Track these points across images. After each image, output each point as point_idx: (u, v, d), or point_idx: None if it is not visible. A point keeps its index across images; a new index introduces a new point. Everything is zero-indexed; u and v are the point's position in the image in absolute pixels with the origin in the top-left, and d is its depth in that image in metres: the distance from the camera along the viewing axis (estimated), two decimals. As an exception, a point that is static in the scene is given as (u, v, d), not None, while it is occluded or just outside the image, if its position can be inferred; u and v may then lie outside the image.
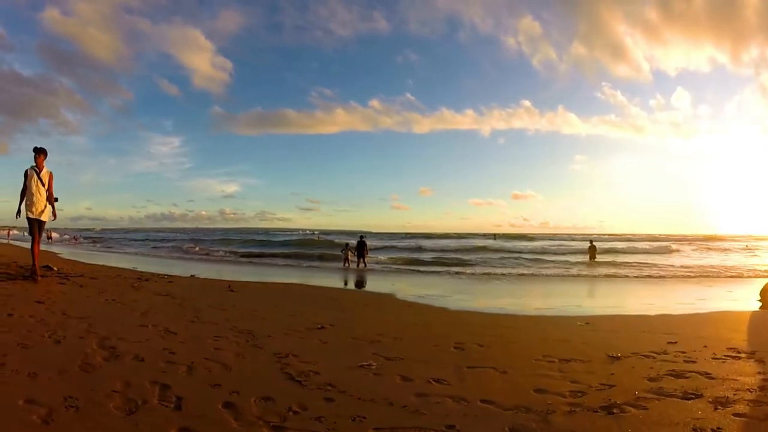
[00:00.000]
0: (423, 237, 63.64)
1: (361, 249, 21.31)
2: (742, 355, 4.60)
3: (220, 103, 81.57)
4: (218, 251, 31.15)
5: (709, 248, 41.81)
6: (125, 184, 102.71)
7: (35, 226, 8.14)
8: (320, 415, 2.87)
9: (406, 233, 75.31)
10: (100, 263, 14.85)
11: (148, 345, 4.43)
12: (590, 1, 66.72)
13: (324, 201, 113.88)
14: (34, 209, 8.00)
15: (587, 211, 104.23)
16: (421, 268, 21.40)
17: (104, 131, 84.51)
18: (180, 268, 15.64)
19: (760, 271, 20.37)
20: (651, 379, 3.70)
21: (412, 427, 2.74)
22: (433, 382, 3.61)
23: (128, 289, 8.19)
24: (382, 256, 26.50)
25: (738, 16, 58.53)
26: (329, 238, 49.39)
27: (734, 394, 3.31)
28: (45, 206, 8.16)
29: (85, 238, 48.68)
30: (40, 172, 8.14)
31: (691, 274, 18.93)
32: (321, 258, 26.57)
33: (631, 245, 43.50)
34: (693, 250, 40.14)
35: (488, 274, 18.87)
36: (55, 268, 9.95)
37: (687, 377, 3.75)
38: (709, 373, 3.86)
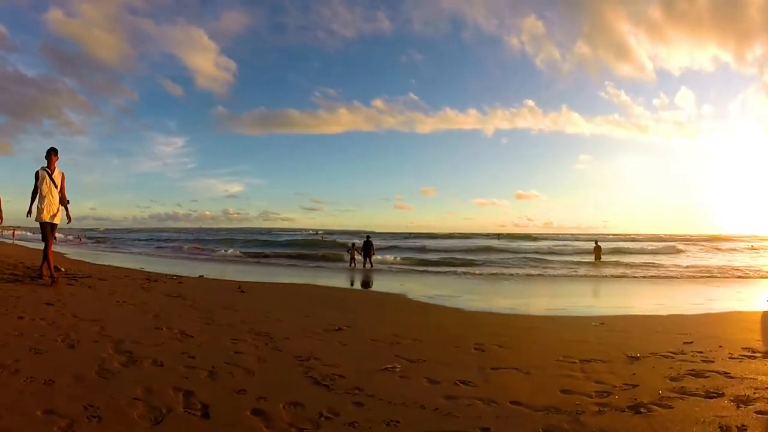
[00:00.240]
0: (426, 237, 63.51)
1: (368, 249, 21.18)
2: (758, 354, 4.62)
3: (223, 103, 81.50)
4: (223, 251, 30.98)
5: (714, 248, 41.45)
6: (129, 185, 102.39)
7: (48, 229, 7.78)
8: (353, 421, 2.78)
9: (410, 233, 75.01)
10: (107, 263, 14.72)
11: (165, 349, 4.28)
12: (594, 1, 66.34)
13: (327, 201, 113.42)
14: (46, 212, 7.67)
15: (591, 211, 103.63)
16: (428, 269, 21.21)
17: (108, 131, 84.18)
18: (187, 269, 15.54)
19: (767, 271, 20.26)
20: (672, 379, 3.70)
21: (447, 430, 2.70)
22: (460, 384, 3.55)
23: (138, 290, 8.04)
24: (388, 256, 26.26)
25: (741, 15, 58.10)
26: (332, 238, 49.21)
27: (754, 393, 3.31)
28: (58, 209, 7.87)
29: (88, 237, 48.68)
30: (52, 173, 7.81)
31: (698, 275, 18.77)
32: (326, 258, 26.39)
33: (635, 245, 43.19)
34: (699, 250, 39.85)
35: (495, 274, 18.69)
36: (63, 269, 9.80)
37: (707, 377, 3.75)
38: (728, 373, 3.86)
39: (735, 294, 11.93)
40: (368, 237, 21.55)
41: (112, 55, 73.96)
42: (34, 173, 7.77)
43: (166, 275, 11.29)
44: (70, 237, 46.51)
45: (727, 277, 17.80)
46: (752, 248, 41.58)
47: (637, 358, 4.40)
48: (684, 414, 2.92)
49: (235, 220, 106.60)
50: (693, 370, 3.96)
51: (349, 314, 7.24)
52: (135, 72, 75.86)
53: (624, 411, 2.97)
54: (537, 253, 33.84)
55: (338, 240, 41.07)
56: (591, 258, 26.44)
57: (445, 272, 19.28)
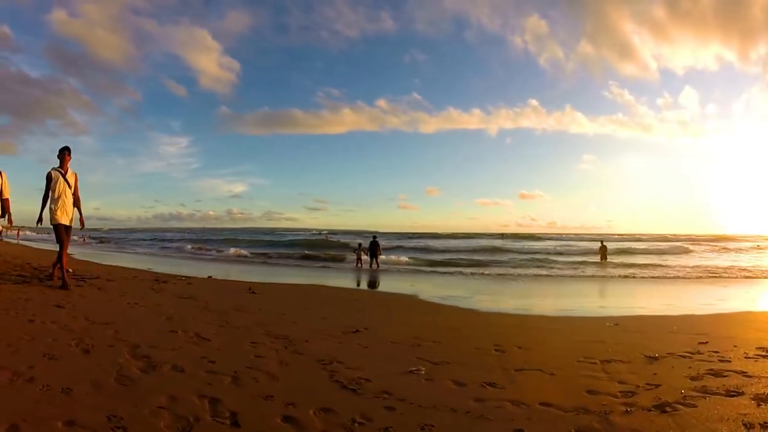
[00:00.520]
0: (430, 237, 63.25)
1: (374, 249, 20.99)
2: (772, 354, 4.65)
3: (227, 104, 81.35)
4: (228, 251, 30.84)
5: (719, 248, 41.10)
6: (133, 185, 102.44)
7: (63, 232, 7.37)
8: (387, 426, 2.73)
9: (414, 233, 74.80)
10: (114, 264, 14.57)
11: (184, 353, 4.13)
12: (597, 0, 66.15)
13: (331, 201, 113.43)
14: (60, 214, 7.27)
15: (595, 210, 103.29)
16: (436, 269, 21.04)
17: (112, 132, 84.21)
18: (194, 269, 15.41)
19: (774, 272, 20.10)
20: (693, 379, 3.74)
21: None
22: (487, 386, 3.51)
23: (148, 292, 7.89)
24: (393, 257, 26.04)
25: (745, 13, 57.76)
26: (336, 238, 49.08)
27: (773, 391, 3.36)
28: (73, 211, 7.51)
29: (93, 237, 48.59)
30: (65, 173, 7.41)
31: (705, 275, 18.61)
32: (332, 258, 26.19)
33: (642, 245, 42.89)
34: (704, 250, 39.54)
35: (503, 275, 18.51)
36: (71, 270, 9.64)
37: (725, 376, 3.79)
38: (746, 372, 3.90)
39: (744, 294, 12.01)
40: (375, 237, 21.37)
41: (115, 56, 74.18)
42: (45, 174, 7.33)
43: (175, 276, 11.14)
44: (75, 237, 46.40)
45: (735, 278, 17.66)
46: (758, 248, 41.28)
47: (656, 359, 4.41)
48: (708, 413, 2.95)
49: (238, 220, 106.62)
50: (711, 369, 3.99)
51: (364, 315, 7.13)
52: (138, 72, 75.97)
53: (650, 410, 2.98)
54: (542, 253, 33.55)
55: (342, 240, 41.01)
56: (597, 258, 26.18)
57: (453, 273, 19.10)
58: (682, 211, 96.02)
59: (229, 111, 79.56)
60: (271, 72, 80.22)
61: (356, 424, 2.73)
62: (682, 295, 12.41)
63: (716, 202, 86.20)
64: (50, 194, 7.26)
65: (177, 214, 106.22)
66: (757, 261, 27.35)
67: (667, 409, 3.00)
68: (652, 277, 17.64)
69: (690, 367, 4.07)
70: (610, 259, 25.51)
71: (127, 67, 77.08)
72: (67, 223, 7.40)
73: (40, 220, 7.29)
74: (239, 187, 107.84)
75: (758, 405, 3.07)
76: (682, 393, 3.31)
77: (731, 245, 43.95)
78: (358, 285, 14.06)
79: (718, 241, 50.03)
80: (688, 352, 4.64)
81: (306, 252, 29.86)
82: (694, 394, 3.31)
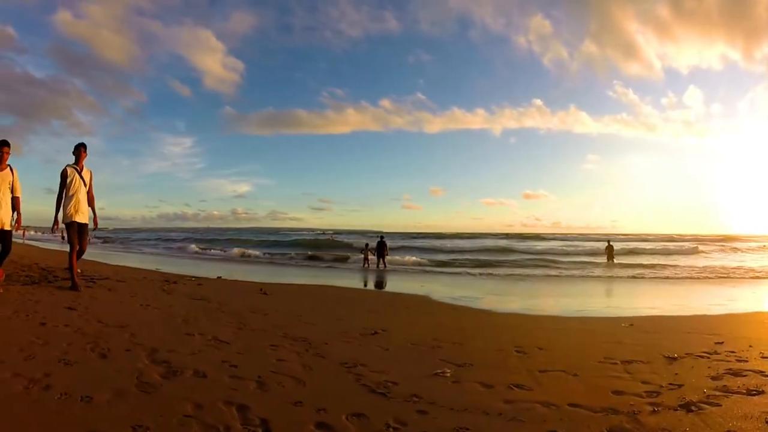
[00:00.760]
0: (434, 237, 62.90)
1: (381, 249, 20.87)
2: (788, 353, 4.69)
3: (231, 104, 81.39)
4: (234, 252, 30.71)
5: (726, 249, 40.81)
6: (138, 185, 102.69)
7: (76, 231, 7.09)
8: (423, 430, 2.68)
9: (418, 233, 74.49)
10: (122, 264, 14.43)
11: (204, 357, 3.97)
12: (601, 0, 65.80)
13: (335, 201, 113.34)
14: (74, 212, 7.01)
15: (599, 210, 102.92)
16: (443, 269, 20.88)
17: (117, 132, 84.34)
18: (201, 269, 15.30)
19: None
20: (713, 378, 3.76)
21: None
22: (514, 388, 3.48)
23: (159, 293, 7.72)
24: (398, 257, 25.83)
25: (750, 12, 57.34)
26: (341, 237, 48.92)
27: (792, 390, 3.40)
28: (88, 210, 7.24)
29: (97, 237, 48.59)
30: (81, 171, 7.14)
31: (714, 276, 18.52)
32: (338, 259, 26.04)
33: (647, 246, 42.57)
34: (711, 250, 39.20)
35: (512, 275, 18.37)
36: (79, 270, 9.49)
37: (745, 375, 3.83)
38: (763, 372, 3.95)
39: (753, 294, 12.13)
40: (382, 237, 21.23)
41: (120, 56, 74.14)
42: (60, 172, 7.08)
43: (184, 276, 10.98)
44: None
45: (743, 278, 17.57)
46: (765, 248, 40.94)
47: (675, 359, 4.43)
48: (732, 411, 2.99)
49: (243, 220, 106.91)
50: (730, 369, 4.02)
51: (379, 317, 7.00)
52: (143, 73, 76.10)
53: (676, 410, 3.01)
54: (548, 253, 33.38)
55: (346, 240, 40.77)
56: (603, 258, 25.97)
57: (460, 273, 18.94)
58: (687, 211, 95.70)
59: (234, 111, 79.66)
60: (276, 72, 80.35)
61: (391, 429, 2.66)
62: (692, 295, 12.42)
63: (721, 201, 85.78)
64: (65, 192, 7.03)
65: (181, 214, 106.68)
66: (764, 261, 27.18)
67: (693, 408, 3.02)
68: (661, 278, 17.58)
69: (709, 367, 4.11)
70: (616, 259, 25.25)
71: (132, 68, 77.19)
72: (82, 221, 7.14)
73: (55, 222, 7.01)
74: (244, 187, 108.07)
75: (779, 403, 3.12)
76: (705, 392, 3.35)
77: (737, 245, 43.60)
78: (367, 285, 13.93)
79: (724, 242, 49.64)
80: (705, 353, 4.66)
81: (311, 252, 29.75)
82: (717, 393, 3.34)
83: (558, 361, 4.29)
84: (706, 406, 3.05)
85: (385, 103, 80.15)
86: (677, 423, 2.79)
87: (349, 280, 14.66)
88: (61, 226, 7.11)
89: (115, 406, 2.74)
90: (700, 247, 40.00)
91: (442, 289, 12.33)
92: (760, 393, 3.35)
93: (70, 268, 7.23)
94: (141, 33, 72.14)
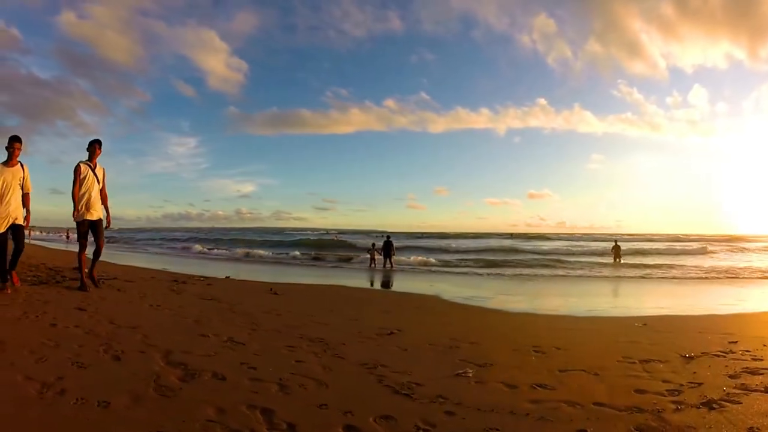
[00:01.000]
0: (439, 237, 62.71)
1: (388, 249, 20.79)
2: (802, 352, 4.71)
3: (235, 104, 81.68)
4: (239, 251, 30.64)
5: (732, 249, 40.48)
6: (142, 185, 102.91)
7: (87, 229, 6.94)
8: (452, 431, 2.64)
9: (422, 233, 74.18)
10: (129, 264, 14.35)
11: (221, 359, 3.84)
12: (605, -2, 65.48)
13: (340, 201, 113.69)
14: (84, 209, 6.84)
15: (604, 210, 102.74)
16: (451, 269, 20.73)
17: (121, 132, 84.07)
18: (208, 269, 15.21)
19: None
20: (731, 377, 3.76)
21: None
22: (538, 388, 3.44)
23: (169, 293, 7.61)
24: (404, 257, 25.66)
25: (755, 11, 56.95)
26: (345, 237, 48.79)
27: (809, 388, 3.42)
28: (101, 208, 7.06)
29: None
30: (95, 168, 6.95)
31: (722, 276, 18.39)
32: (344, 259, 25.93)
33: (654, 246, 42.32)
34: (717, 250, 38.92)
35: (520, 275, 18.23)
36: (86, 270, 9.39)
37: (762, 374, 3.84)
38: None
39: (763, 294, 12.17)
40: (388, 237, 21.14)
41: (124, 57, 74.44)
42: (73, 167, 6.89)
43: (192, 276, 10.86)
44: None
45: (752, 278, 17.45)
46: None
47: (692, 358, 4.43)
48: (753, 408, 3.01)
49: (247, 219, 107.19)
50: (747, 368, 4.03)
51: (392, 317, 6.87)
52: (147, 73, 76.31)
53: (699, 408, 3.02)
54: (555, 253, 33.22)
55: (350, 240, 40.63)
56: (610, 258, 25.77)
57: (467, 273, 18.84)
58: (692, 211, 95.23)
59: (238, 111, 79.88)
60: (279, 72, 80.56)
61: (421, 431, 2.61)
62: (701, 295, 12.40)
63: (727, 201, 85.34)
64: (77, 188, 6.85)
65: (186, 214, 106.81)
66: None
67: (714, 406, 3.03)
68: (669, 278, 17.48)
69: (726, 366, 4.10)
70: (623, 259, 25.05)
71: (136, 69, 77.41)
72: (95, 219, 6.98)
73: (76, 210, 6.83)
74: (248, 187, 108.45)
75: (798, 401, 3.14)
76: (724, 390, 3.36)
77: (744, 245, 43.31)
78: (374, 285, 13.84)
79: (730, 242, 49.30)
80: (721, 351, 4.66)
81: (317, 252, 29.65)
82: (737, 391, 3.35)
83: (577, 361, 4.26)
84: (728, 404, 3.06)
85: (389, 102, 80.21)
86: (701, 420, 2.80)
87: (357, 280, 14.54)
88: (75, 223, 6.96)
89: (134, 411, 2.61)
90: (706, 248, 39.75)
91: (452, 288, 12.19)
92: (777, 390, 3.37)
93: (79, 268, 7.13)
94: (145, 33, 72.53)
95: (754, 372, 3.87)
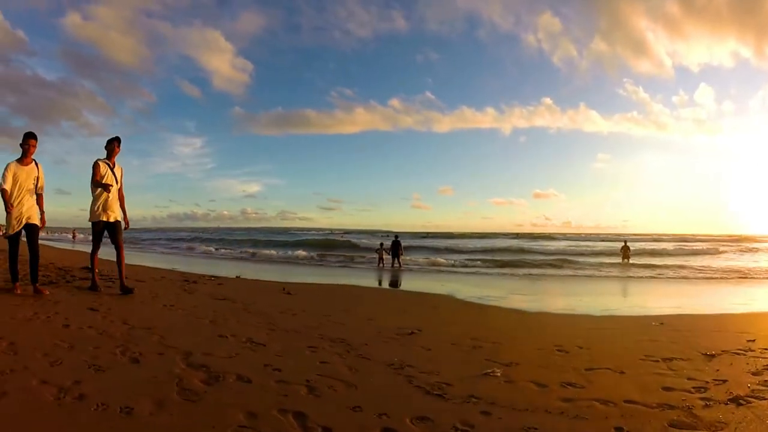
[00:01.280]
0: (444, 237, 62.42)
1: (396, 249, 20.65)
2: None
3: (241, 104, 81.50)
4: (245, 250, 30.55)
5: (741, 249, 40.13)
6: (148, 185, 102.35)
7: (102, 230, 6.65)
8: (491, 431, 2.58)
9: (427, 233, 73.91)
10: (138, 264, 14.21)
11: (243, 361, 3.68)
12: (610, -3, 65.09)
13: (345, 200, 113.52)
14: (101, 210, 6.55)
15: (610, 210, 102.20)
16: (459, 269, 20.52)
17: (127, 133, 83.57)
18: (217, 268, 15.09)
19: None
20: (754, 374, 3.77)
21: None
22: (567, 386, 3.40)
23: (181, 293, 7.46)
24: (409, 257, 25.47)
25: (761, 8, 56.34)
26: (348, 237, 48.66)
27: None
28: (118, 209, 6.76)
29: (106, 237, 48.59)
30: (113, 167, 6.66)
31: (731, 276, 18.15)
32: (352, 258, 25.76)
33: (663, 246, 42.00)
34: (726, 251, 38.60)
35: (529, 274, 18.01)
36: (96, 270, 9.25)
37: None
38: None
39: None
40: (396, 237, 21.00)
41: (129, 58, 74.43)
42: (92, 164, 6.60)
43: (203, 276, 10.73)
44: (81, 235, 46.51)
45: (762, 278, 17.26)
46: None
47: (713, 356, 4.43)
48: None
49: (253, 219, 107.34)
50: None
51: (408, 316, 6.73)
52: (153, 74, 76.31)
53: (727, 404, 3.03)
54: (563, 253, 32.96)
55: (354, 240, 40.50)
56: (618, 258, 25.51)
57: (476, 272, 18.65)
58: (699, 211, 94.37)
59: (243, 111, 79.78)
60: (284, 72, 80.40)
61: None
62: (713, 294, 12.33)
63: (734, 201, 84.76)
64: (94, 189, 6.59)
65: (191, 214, 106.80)
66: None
67: (741, 402, 3.05)
68: (680, 277, 17.35)
69: (747, 363, 4.13)
70: (632, 260, 24.76)
71: (141, 69, 77.44)
72: (112, 220, 6.67)
73: (94, 213, 6.58)
74: (253, 187, 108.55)
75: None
76: (749, 387, 3.38)
77: (752, 246, 42.97)
78: (385, 284, 13.67)
79: (738, 242, 48.95)
80: (740, 350, 4.67)
81: (324, 252, 29.52)
82: (761, 387, 3.37)
83: (601, 360, 4.23)
84: (754, 400, 3.08)
85: (394, 102, 79.94)
86: (731, 416, 2.81)
87: (366, 279, 14.41)
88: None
89: (159, 417, 2.44)
90: (714, 248, 39.47)
91: (464, 288, 12.00)
92: (800, 387, 3.40)
93: (91, 268, 6.95)
94: (150, 34, 72.50)
95: (775, 369, 3.88)
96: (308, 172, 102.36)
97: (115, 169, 6.68)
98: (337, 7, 73.43)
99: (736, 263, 25.55)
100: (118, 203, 6.75)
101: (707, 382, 3.50)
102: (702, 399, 3.11)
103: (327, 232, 74.44)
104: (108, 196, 6.57)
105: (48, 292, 6.31)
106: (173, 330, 4.65)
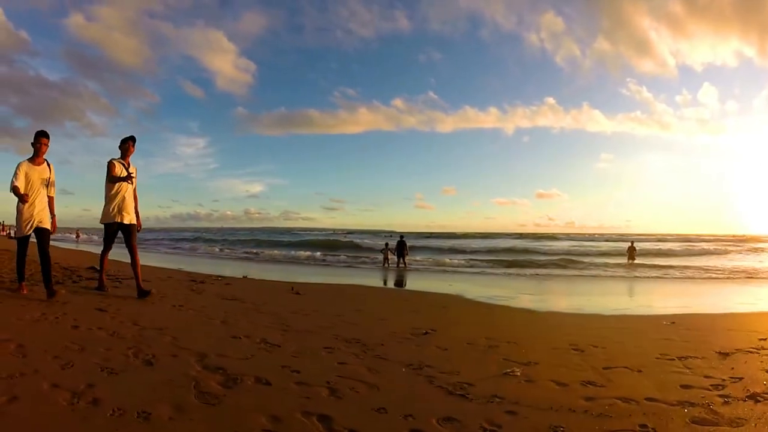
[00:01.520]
0: (447, 237, 62.27)
1: (401, 249, 20.53)
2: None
3: (244, 104, 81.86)
4: (249, 250, 30.49)
5: (746, 249, 39.92)
6: (151, 185, 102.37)
7: (116, 231, 6.44)
8: (519, 430, 2.57)
9: (430, 233, 73.66)
10: (143, 264, 14.11)
11: (259, 362, 3.57)
12: (613, -4, 64.86)
13: (348, 200, 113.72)
14: (115, 211, 6.33)
15: (613, 210, 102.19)
16: (465, 269, 20.41)
17: (130, 133, 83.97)
18: (223, 268, 15.06)
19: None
20: None
21: (611, 430, 2.57)
22: (588, 385, 3.39)
23: (189, 293, 7.36)
24: (415, 257, 25.35)
25: (765, 7, 56.24)
26: (351, 237, 48.54)
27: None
28: (132, 210, 6.54)
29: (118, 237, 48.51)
30: (128, 167, 6.46)
31: (737, 276, 18.12)
32: (357, 258, 25.66)
33: (667, 246, 41.83)
34: (731, 251, 38.39)
35: (536, 274, 17.90)
36: (104, 270, 9.14)
37: None
38: None
39: None
40: (402, 237, 20.87)
41: (132, 58, 74.73)
42: (106, 163, 6.36)
43: (210, 276, 10.65)
44: (95, 237, 46.50)
45: (764, 278, 17.22)
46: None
47: (727, 354, 4.45)
48: None
49: (256, 219, 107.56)
50: None
51: (420, 316, 6.65)
52: (156, 74, 76.67)
53: (745, 401, 3.05)
54: (567, 253, 32.82)
55: (357, 240, 40.39)
56: (623, 259, 25.37)
57: (482, 272, 18.57)
58: (702, 211, 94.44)
59: (246, 112, 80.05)
60: (287, 72, 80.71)
61: None
62: (721, 294, 12.34)
63: (738, 201, 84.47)
64: (108, 190, 6.38)
65: (194, 214, 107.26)
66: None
67: (759, 399, 3.07)
68: (686, 277, 17.34)
69: (761, 361, 4.17)
70: (638, 260, 24.60)
71: (144, 70, 77.76)
72: (127, 222, 6.45)
73: (107, 214, 6.38)
74: (256, 187, 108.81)
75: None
76: (765, 384, 3.41)
77: (757, 246, 42.82)
78: (392, 284, 13.57)
79: (742, 242, 48.72)
80: (753, 348, 4.71)
81: (328, 252, 29.43)
82: None
83: (618, 359, 4.23)
84: None
85: (397, 102, 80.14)
86: (750, 413, 2.84)
87: (373, 279, 14.35)
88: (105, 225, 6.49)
89: (179, 422, 2.33)
90: (718, 248, 39.31)
91: (472, 288, 11.94)
92: (814, 384, 3.45)
93: (100, 269, 6.82)
94: (152, 35, 72.79)
95: (789, 367, 3.93)
96: (311, 172, 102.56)
97: (129, 169, 6.49)
98: (340, 7, 73.68)
99: (741, 263, 25.61)
100: (133, 204, 6.56)
101: (724, 380, 3.53)
102: (720, 396, 3.14)
103: (330, 232, 74.35)
104: (124, 198, 6.37)
105: (64, 291, 6.17)
106: (185, 331, 4.54)
